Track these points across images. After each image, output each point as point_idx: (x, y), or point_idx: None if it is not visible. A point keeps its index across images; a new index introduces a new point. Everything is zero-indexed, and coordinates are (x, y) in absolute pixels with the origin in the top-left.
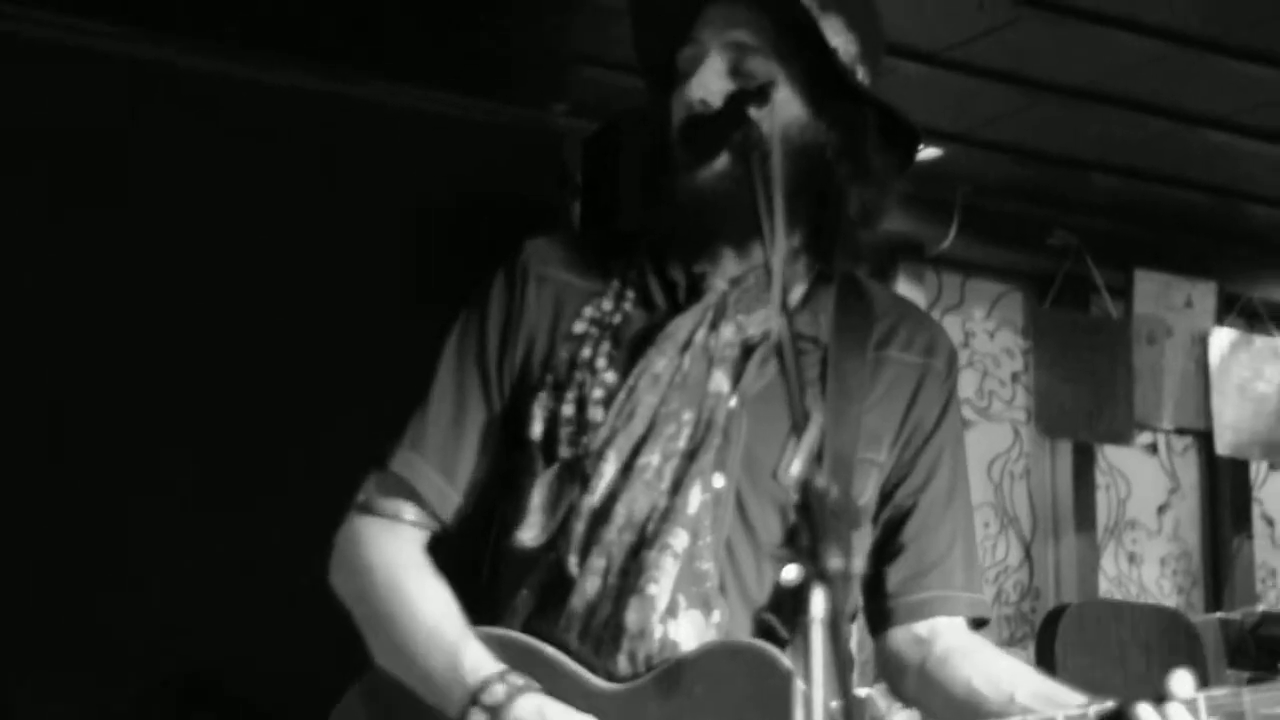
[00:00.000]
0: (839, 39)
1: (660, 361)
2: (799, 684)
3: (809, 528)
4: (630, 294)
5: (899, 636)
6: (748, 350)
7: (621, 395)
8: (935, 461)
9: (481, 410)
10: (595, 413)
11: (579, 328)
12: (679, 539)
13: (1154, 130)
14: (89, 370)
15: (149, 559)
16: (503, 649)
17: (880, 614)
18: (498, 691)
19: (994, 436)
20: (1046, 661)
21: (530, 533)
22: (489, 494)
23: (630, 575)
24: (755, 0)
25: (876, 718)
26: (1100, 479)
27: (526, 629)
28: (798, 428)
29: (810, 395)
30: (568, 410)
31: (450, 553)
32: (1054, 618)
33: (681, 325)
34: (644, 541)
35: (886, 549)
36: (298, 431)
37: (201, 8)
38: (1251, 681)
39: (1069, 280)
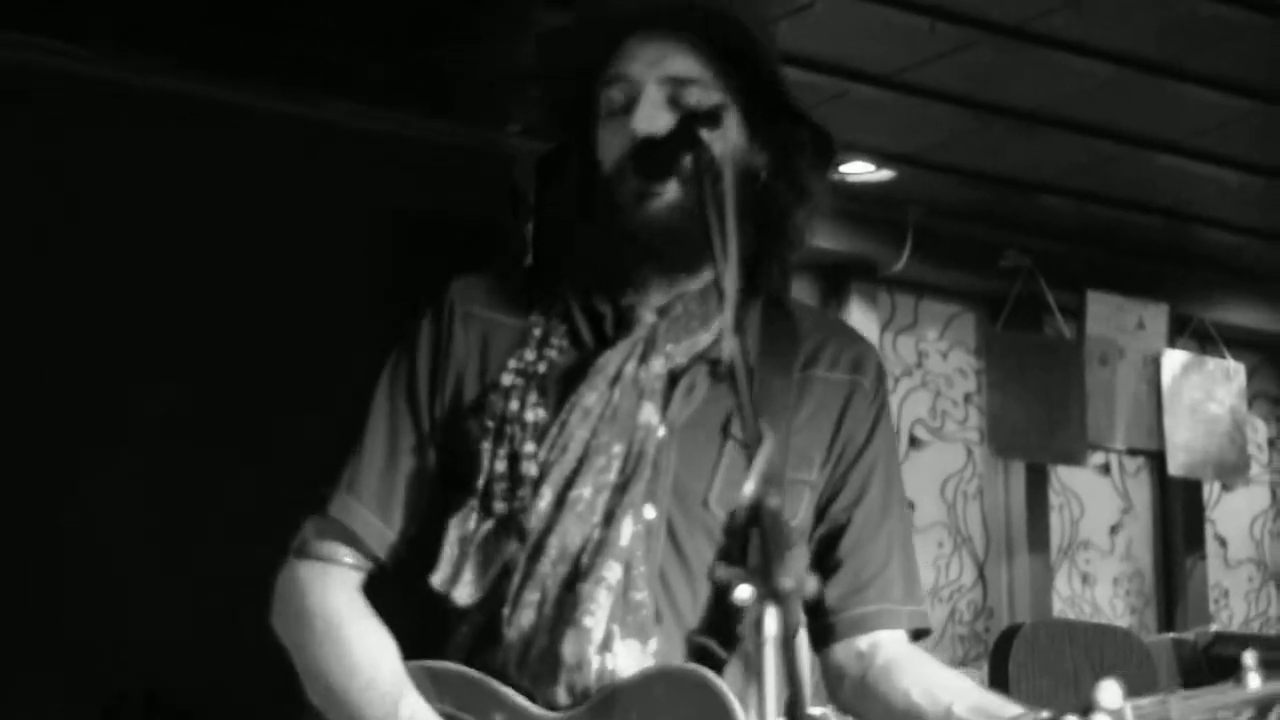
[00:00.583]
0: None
1: (591, 396)
2: (735, 705)
3: (761, 547)
4: (559, 331)
5: (840, 651)
6: (674, 378)
7: (554, 430)
8: (867, 477)
9: (414, 450)
10: (528, 467)
11: (506, 380)
12: (613, 571)
13: (1106, 153)
14: (55, 383)
15: (112, 574)
16: (446, 682)
17: (821, 630)
18: None
19: (947, 457)
20: (1000, 681)
21: (465, 590)
22: (428, 531)
23: (565, 607)
24: (690, 31)
25: None
26: (1053, 499)
27: (470, 661)
28: (749, 447)
29: (734, 419)
30: (500, 466)
31: (399, 585)
32: (1007, 638)
33: (611, 359)
34: (578, 574)
35: (824, 565)
36: (257, 447)
37: (156, 28)
38: None
39: (1021, 301)
